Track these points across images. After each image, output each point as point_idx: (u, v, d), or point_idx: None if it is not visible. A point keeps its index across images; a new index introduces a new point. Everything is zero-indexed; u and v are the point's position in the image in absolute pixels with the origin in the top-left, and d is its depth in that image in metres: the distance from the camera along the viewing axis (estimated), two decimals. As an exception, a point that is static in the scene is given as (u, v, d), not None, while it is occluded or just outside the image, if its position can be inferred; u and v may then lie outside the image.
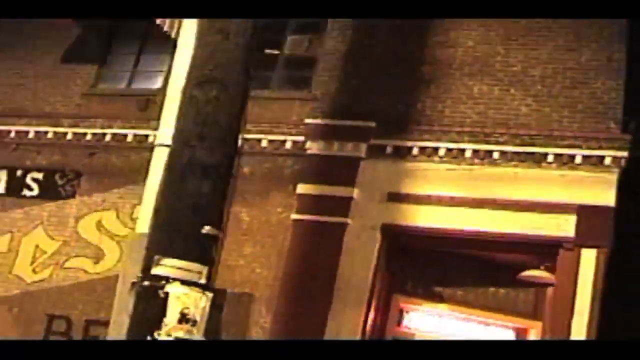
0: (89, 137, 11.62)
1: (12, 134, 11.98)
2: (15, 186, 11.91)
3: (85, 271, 11.02)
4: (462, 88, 10.78)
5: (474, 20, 10.95)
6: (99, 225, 11.24)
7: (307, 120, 10.76)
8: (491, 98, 10.69)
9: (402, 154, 10.58)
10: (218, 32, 5.02)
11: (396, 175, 10.60)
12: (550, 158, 10.16)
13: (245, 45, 5.02)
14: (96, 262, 11.03)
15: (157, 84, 11.88)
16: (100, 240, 11.17)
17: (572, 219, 10.02)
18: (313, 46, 11.52)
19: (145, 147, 10.84)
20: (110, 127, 11.53)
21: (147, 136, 11.23)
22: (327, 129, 10.71)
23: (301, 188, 10.57)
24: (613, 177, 10.01)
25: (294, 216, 10.51)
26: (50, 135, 11.83)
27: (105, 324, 9.74)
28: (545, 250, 10.36)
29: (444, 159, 10.46)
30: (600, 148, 10.02)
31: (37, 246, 11.41)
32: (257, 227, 10.67)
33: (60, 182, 11.65)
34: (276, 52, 11.63)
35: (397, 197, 10.50)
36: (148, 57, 12.12)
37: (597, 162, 10.00)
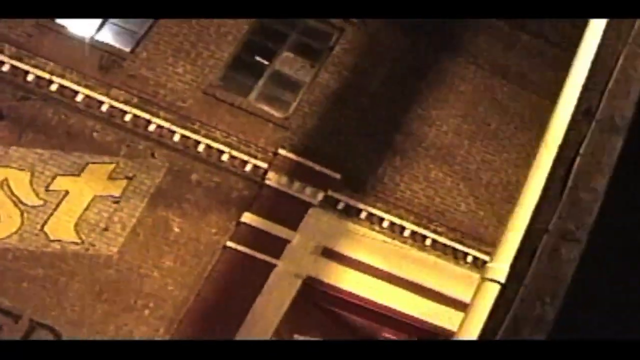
0: (29, 77, 9.69)
1: None
2: None
3: (-30, 233, 9.48)
4: (422, 168, 11.18)
5: (457, 106, 11.42)
6: (4, 183, 9.58)
7: (281, 151, 10.32)
8: (442, 187, 11.29)
9: (351, 213, 10.75)
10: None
11: (337, 232, 10.80)
12: (469, 259, 11.25)
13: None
14: (-14, 226, 9.54)
15: (128, 47, 10.31)
16: (1, 203, 9.60)
17: (462, 316, 11.37)
18: (305, 71, 10.88)
19: (92, 113, 9.61)
20: (61, 75, 9.74)
21: (101, 103, 9.84)
22: (295, 167, 10.39)
23: (246, 217, 10.22)
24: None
25: (229, 243, 10.17)
26: (-19, 56, 9.63)
27: None
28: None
29: (384, 231, 10.92)
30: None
31: None
32: (185, 242, 10.06)
33: (-30, 117, 9.63)
34: (266, 62, 10.79)
35: (330, 254, 10.71)
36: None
37: (503, 274, 11.36)
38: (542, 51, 11.87)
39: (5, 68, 9.61)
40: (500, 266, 6.47)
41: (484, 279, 6.17)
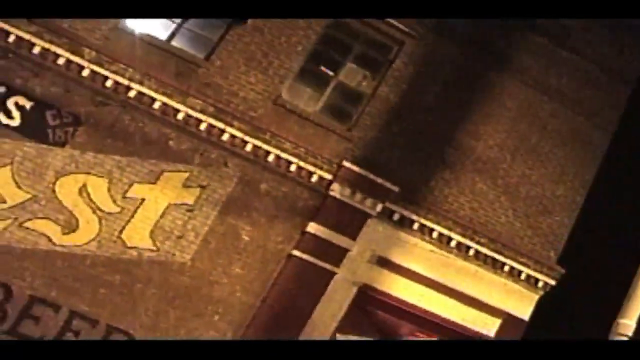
0: (108, 82, 9.64)
1: (11, 38, 9.25)
2: (-13, 103, 9.37)
3: (49, 239, 9.29)
4: (469, 181, 11.75)
5: (502, 122, 12.01)
6: (83, 190, 9.55)
7: (345, 164, 10.68)
8: (485, 199, 11.90)
9: (404, 224, 11.28)
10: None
11: (391, 242, 11.34)
12: (506, 268, 12.00)
13: None
14: (66, 233, 9.39)
15: (202, 54, 10.36)
16: (79, 209, 9.53)
17: (497, 322, 12.25)
18: (367, 83, 11.19)
19: (168, 121, 9.77)
20: (140, 82, 9.74)
21: (177, 111, 9.93)
22: (357, 178, 10.77)
23: (311, 227, 10.60)
24: (536, 297, 12.41)
25: (294, 252, 10.57)
26: (60, 61, 9.47)
27: (52, 306, 9.10)
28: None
29: (433, 241, 11.51)
30: (540, 272, 12.21)
31: None
32: (253, 250, 10.36)
33: (51, 122, 9.43)
34: (331, 73, 11.03)
35: (384, 262, 11.28)
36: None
37: (533, 283, 12.21)
38: (581, 69, 12.55)
39: (85, 73, 9.56)
40: (629, 322, 7.18)
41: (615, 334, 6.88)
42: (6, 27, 9.28)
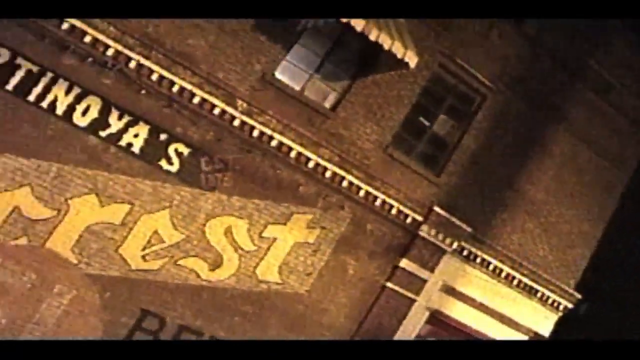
0: (255, 132, 10.61)
1: (175, 87, 9.98)
2: (154, 151, 10.05)
3: (198, 275, 10.41)
4: (520, 220, 13.72)
5: (550, 167, 13.99)
6: (228, 231, 10.64)
7: (435, 208, 12.29)
8: (531, 236, 13.97)
9: (470, 258, 13.16)
10: None
11: (457, 273, 13.19)
12: (539, 294, 14.28)
13: None
14: (212, 269, 10.52)
15: (330, 101, 11.47)
16: (223, 247, 10.61)
17: (525, 338, 14.60)
18: (454, 133, 12.71)
19: (300, 168, 11.03)
20: (281, 132, 10.78)
21: (308, 159, 11.10)
22: (442, 221, 12.45)
23: (402, 262, 12.23)
24: (556, 317, 14.84)
25: (387, 284, 12.18)
26: (216, 111, 10.31)
27: (196, 333, 10.49)
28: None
29: (488, 272, 13.49)
30: (562, 297, 14.60)
31: (155, 231, 10.10)
32: (356, 282, 11.89)
33: (205, 168, 10.35)
34: (427, 123, 12.47)
35: (450, 291, 13.20)
36: (330, 68, 11.41)
37: (556, 306, 14.60)
38: (613, 120, 14.65)
39: (236, 122, 10.54)
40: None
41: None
42: (173, 77, 10.06)
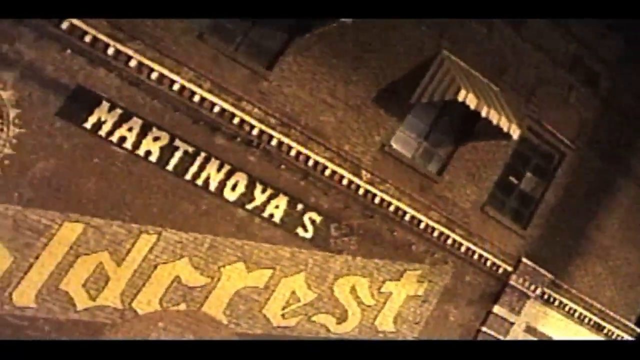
0: (376, 199, 11.48)
1: (310, 162, 10.83)
2: (292, 220, 10.90)
3: (327, 329, 11.32)
4: (591, 265, 14.65)
5: (617, 215, 14.94)
6: (352, 288, 11.49)
7: (524, 260, 13.22)
8: (599, 278, 14.92)
9: (550, 301, 14.11)
10: None
11: (538, 315, 14.13)
12: (605, 330, 15.24)
13: None
14: (339, 323, 11.39)
15: (436, 166, 12.35)
16: (348, 303, 11.49)
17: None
18: (538, 189, 13.62)
19: (412, 229, 11.90)
20: (398, 198, 11.63)
21: (420, 221, 11.97)
22: (529, 270, 13.36)
23: (495, 308, 13.15)
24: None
25: (482, 328, 13.09)
26: (344, 182, 11.17)
27: None
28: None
29: (564, 312, 14.44)
30: (625, 332, 15.59)
31: (293, 292, 10.94)
32: (456, 327, 12.74)
33: (334, 234, 11.19)
34: (516, 182, 13.37)
35: (532, 331, 14.12)
36: (436, 136, 12.29)
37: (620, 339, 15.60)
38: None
39: (361, 191, 11.40)
40: None
41: None
42: (308, 152, 10.89)
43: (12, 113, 9.31)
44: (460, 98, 11.00)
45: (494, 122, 11.36)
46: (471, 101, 11.07)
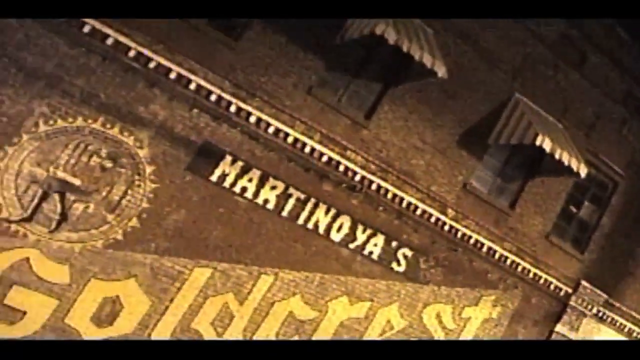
0: (459, 234, 12.33)
1: (404, 203, 11.62)
2: (387, 256, 11.70)
3: (415, 353, 12.27)
4: (638, 283, 15.74)
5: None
6: (438, 315, 12.39)
7: (583, 282, 14.18)
8: (644, 294, 16.02)
9: (603, 318, 15.10)
10: None
11: (593, 331, 15.10)
12: (645, 339, 16.33)
13: None
14: (425, 347, 12.38)
15: (507, 200, 13.20)
16: (434, 329, 12.38)
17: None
18: (594, 216, 14.53)
19: (488, 259, 12.80)
20: (477, 232, 12.48)
21: (495, 252, 12.85)
22: (587, 291, 14.33)
23: (557, 327, 14.08)
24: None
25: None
26: (432, 219, 12.00)
27: None
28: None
29: (615, 328, 15.42)
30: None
31: (388, 321, 11.78)
32: (521, 346, 13.82)
33: (423, 266, 12.03)
34: (575, 210, 14.28)
35: (585, 345, 15.19)
36: (509, 172, 13.14)
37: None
38: None
39: (446, 227, 12.26)
40: None
41: None
42: (402, 194, 11.71)
43: (148, 169, 10.05)
44: (537, 142, 11.80)
45: (565, 162, 12.18)
46: (547, 145, 11.88)
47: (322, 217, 11.18)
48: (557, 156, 12.02)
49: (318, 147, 10.95)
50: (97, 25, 9.54)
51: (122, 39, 9.68)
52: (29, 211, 9.42)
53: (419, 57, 10.60)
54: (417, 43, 10.56)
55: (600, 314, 14.94)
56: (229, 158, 10.47)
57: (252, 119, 10.51)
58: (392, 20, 10.48)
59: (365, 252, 11.60)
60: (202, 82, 10.14)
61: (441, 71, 10.83)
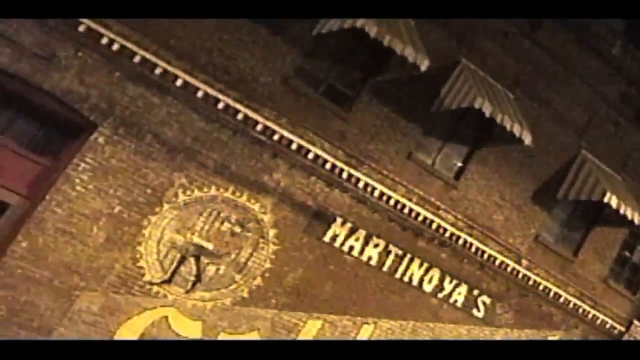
0: (530, 281, 13.31)
1: (485, 255, 12.54)
2: (469, 303, 12.63)
3: (489, 390, 13.27)
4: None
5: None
6: (510, 356, 13.43)
7: (635, 322, 15.27)
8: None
9: (644, 349, 16.23)
10: None
11: None
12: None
13: None
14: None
15: (572, 248, 14.18)
16: None
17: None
18: (645, 259, 15.61)
19: (555, 303, 13.82)
20: (546, 279, 13.45)
21: (560, 296, 13.87)
22: (639, 330, 15.45)
23: (606, 361, 15.22)
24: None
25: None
26: (509, 269, 12.94)
27: None
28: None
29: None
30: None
31: None
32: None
33: (498, 312, 13.01)
34: (629, 255, 15.31)
35: (628, 374, 16.29)
36: (574, 223, 14.11)
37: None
38: None
39: (520, 276, 13.24)
40: None
41: None
42: (484, 247, 12.67)
43: (271, 233, 10.91)
44: (605, 200, 12.75)
45: (629, 217, 13.16)
46: (614, 202, 12.85)
47: (415, 270, 12.10)
48: (622, 212, 12.96)
49: (415, 207, 11.83)
50: (231, 102, 10.33)
51: (251, 114, 10.48)
52: (169, 274, 10.26)
53: (509, 127, 11.46)
54: (506, 112, 11.44)
55: (643, 345, 16.02)
56: (339, 220, 11.33)
57: (360, 184, 11.38)
58: (484, 90, 11.38)
59: (451, 300, 12.54)
60: (319, 152, 10.98)
61: (528, 139, 11.72)
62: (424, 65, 10.56)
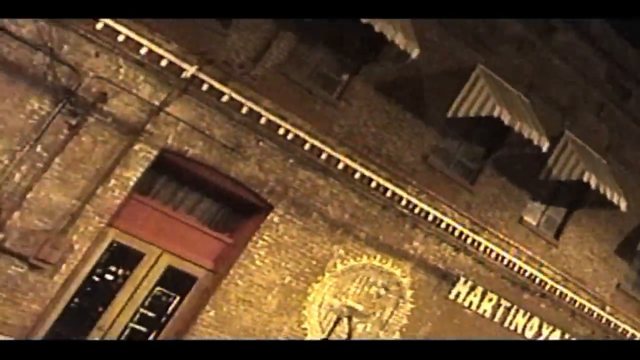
0: (611, 324, 14.78)
1: (577, 304, 13.92)
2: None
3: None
4: None
5: None
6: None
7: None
8: None
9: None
10: None
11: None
12: None
13: None
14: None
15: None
16: None
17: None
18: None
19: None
20: (626, 322, 14.92)
21: (602, 317, 15.34)
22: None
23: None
24: None
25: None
26: (595, 314, 14.35)
27: None
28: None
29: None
30: None
31: None
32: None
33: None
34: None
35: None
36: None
37: None
38: None
39: (603, 320, 14.71)
40: None
41: None
42: (576, 297, 14.09)
43: (409, 293, 12.18)
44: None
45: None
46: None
47: (520, 320, 13.49)
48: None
49: (524, 265, 13.16)
50: (381, 181, 11.48)
51: (398, 190, 11.65)
52: (327, 333, 11.52)
53: (610, 196, 12.78)
54: (607, 183, 12.71)
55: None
56: (462, 279, 12.63)
57: (481, 248, 12.65)
58: (588, 163, 12.66)
59: (547, 345, 13.98)
60: (450, 221, 12.20)
61: (623, 206, 13.07)
62: (545, 147, 11.76)
